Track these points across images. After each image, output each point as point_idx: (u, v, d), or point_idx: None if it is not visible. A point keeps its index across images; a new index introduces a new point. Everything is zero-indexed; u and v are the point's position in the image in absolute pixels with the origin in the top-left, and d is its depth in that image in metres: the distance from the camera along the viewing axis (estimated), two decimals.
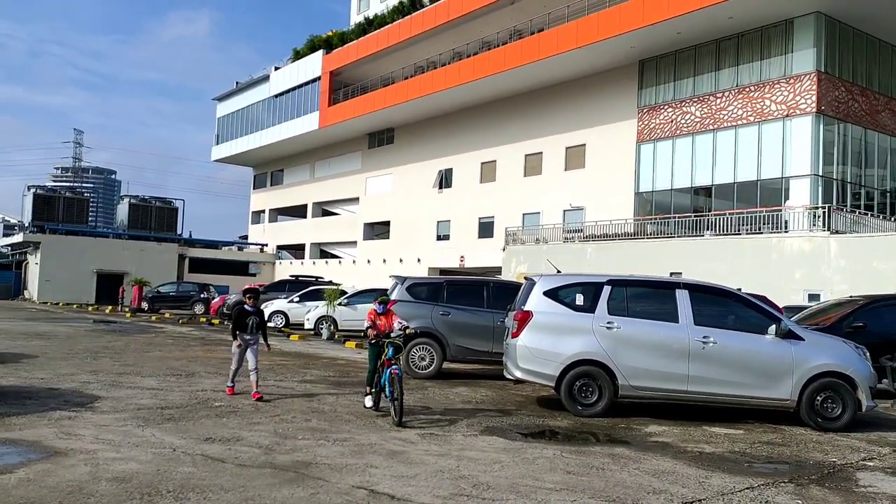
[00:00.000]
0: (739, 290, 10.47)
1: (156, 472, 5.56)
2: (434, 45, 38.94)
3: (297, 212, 55.44)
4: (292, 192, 55.49)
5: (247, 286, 10.01)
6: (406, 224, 43.72)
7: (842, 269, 22.44)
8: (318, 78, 47.19)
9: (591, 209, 32.99)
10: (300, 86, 49.09)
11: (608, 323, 8.97)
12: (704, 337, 8.80)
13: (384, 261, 43.55)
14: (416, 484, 5.48)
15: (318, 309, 22.44)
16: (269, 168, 59.03)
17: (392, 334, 8.51)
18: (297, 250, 55.24)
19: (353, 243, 48.60)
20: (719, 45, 28.79)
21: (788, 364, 8.71)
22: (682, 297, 9.03)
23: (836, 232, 23.82)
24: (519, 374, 9.24)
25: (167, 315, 31.44)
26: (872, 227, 25.58)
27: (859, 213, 26.31)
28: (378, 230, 47.38)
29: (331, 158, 51.44)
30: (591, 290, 9.23)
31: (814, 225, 24.56)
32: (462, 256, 38.73)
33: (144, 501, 4.80)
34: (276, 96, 51.66)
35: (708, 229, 27.26)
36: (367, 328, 8.80)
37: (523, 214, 36.23)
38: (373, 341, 8.67)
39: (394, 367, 8.19)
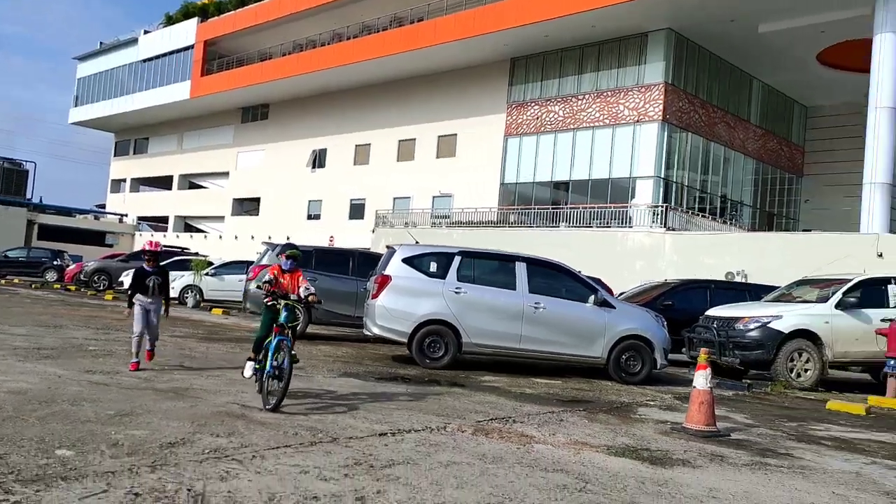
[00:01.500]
0: (579, 273, 12.12)
1: (47, 389, 6.24)
2: (314, 25, 39.18)
3: (162, 183, 53.74)
4: (157, 162, 53.70)
5: (146, 246, 8.81)
6: (277, 201, 43.72)
7: (674, 262, 25.13)
8: (192, 46, 46.02)
9: (459, 197, 34.58)
10: (171, 52, 47.62)
11: (456, 288, 10.30)
12: (536, 303, 10.31)
13: (252, 237, 43.35)
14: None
15: (183, 278, 22.55)
16: (132, 135, 56.69)
17: (291, 297, 6.96)
18: (159, 222, 53.58)
19: (221, 218, 47.91)
20: (583, 50, 31.08)
21: (601, 328, 10.39)
22: (520, 268, 10.52)
23: (672, 229, 26.64)
24: (376, 331, 10.40)
25: (16, 280, 30.09)
26: (703, 227, 28.76)
27: (693, 213, 29.43)
28: (247, 206, 46.98)
29: (201, 130, 50.27)
30: (444, 260, 10.52)
31: (654, 222, 27.30)
32: (332, 236, 39.39)
33: (44, 406, 5.52)
34: (145, 61, 49.80)
35: (563, 221, 29.55)
36: (265, 282, 7.10)
37: (394, 198, 37.34)
38: (268, 302, 6.95)
39: (282, 337, 6.64)
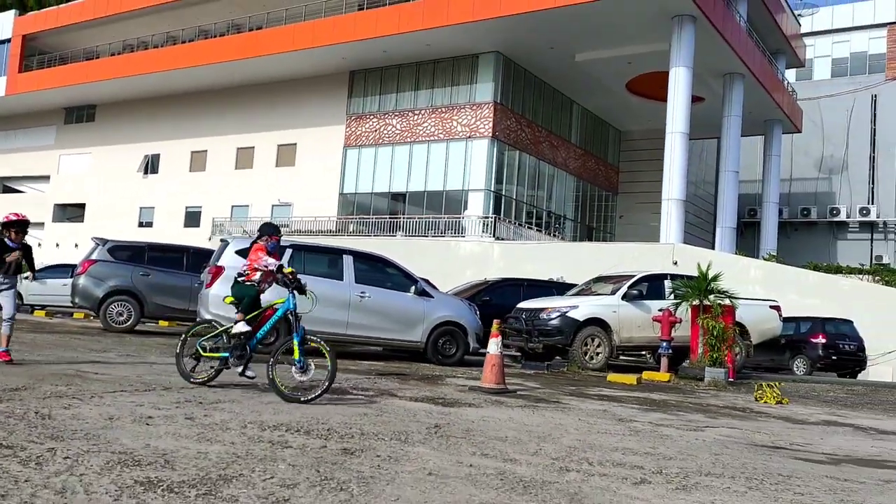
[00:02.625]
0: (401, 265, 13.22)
1: None
2: (147, 26, 38.05)
3: None
4: None
5: (7, 217, 7.69)
6: (105, 207, 41.70)
7: (502, 268, 27.05)
8: (9, 40, 43.01)
9: (298, 205, 34.93)
10: None
11: None
12: (362, 293, 11.28)
13: (76, 245, 41.00)
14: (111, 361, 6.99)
15: None
16: None
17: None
18: None
19: (41, 224, 44.83)
20: (419, 67, 32.66)
21: (421, 315, 11.55)
22: (348, 261, 11.46)
23: (500, 239, 28.70)
24: (209, 318, 10.86)
25: None
26: (528, 237, 31.16)
27: (520, 225, 31.77)
28: (71, 212, 44.34)
29: (18, 130, 46.85)
30: (277, 252, 11.24)
31: (484, 232, 29.25)
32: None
33: None
34: None
35: (400, 230, 30.84)
36: (288, 271, 6.80)
37: (232, 206, 36.98)
38: (282, 278, 6.67)
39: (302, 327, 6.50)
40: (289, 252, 11.30)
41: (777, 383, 9.92)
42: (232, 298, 6.72)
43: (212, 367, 6.56)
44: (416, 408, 6.23)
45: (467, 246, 28.49)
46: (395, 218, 31.79)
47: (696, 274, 13.38)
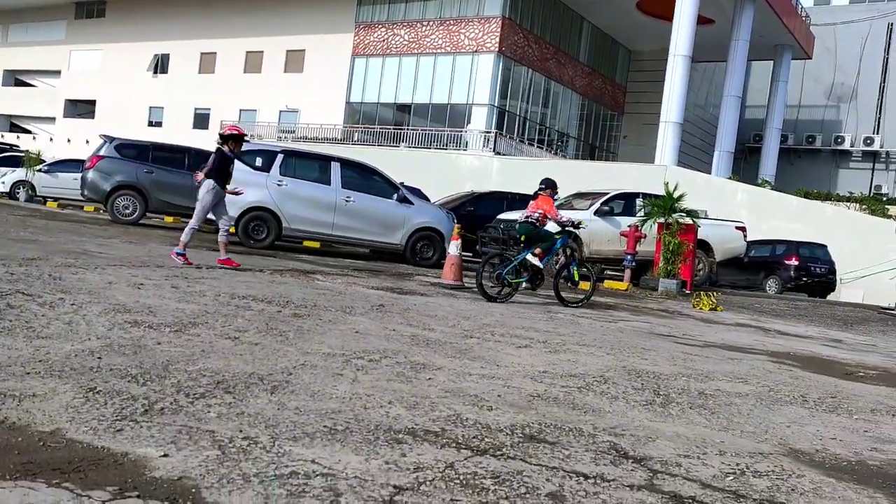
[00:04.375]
0: (401, 183, 14.17)
1: None
2: None
3: None
4: None
5: (227, 129, 8.49)
6: (115, 105, 42.28)
7: (499, 182, 27.80)
8: None
9: (305, 112, 35.45)
10: None
11: (279, 181, 11.99)
12: (347, 197, 12.23)
13: (87, 142, 41.84)
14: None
15: (14, 173, 22.41)
16: None
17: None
18: None
19: (52, 119, 45.61)
20: None
21: (402, 220, 12.54)
22: (335, 167, 12.37)
23: (500, 154, 29.34)
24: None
25: None
26: (528, 153, 31.76)
27: (521, 141, 32.32)
28: (82, 108, 44.98)
29: (29, 23, 46.93)
30: (269, 157, 12.17)
31: (485, 147, 29.87)
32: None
33: None
34: None
35: (404, 141, 31.48)
36: (563, 220, 9.01)
37: (240, 110, 37.50)
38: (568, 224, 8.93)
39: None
40: (280, 157, 12.21)
41: (715, 293, 10.94)
42: (525, 236, 8.75)
43: (509, 288, 8.46)
44: (373, 294, 7.28)
45: (468, 159, 29.18)
46: (400, 129, 32.35)
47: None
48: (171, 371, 3.26)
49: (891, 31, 41.57)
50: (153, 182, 14.08)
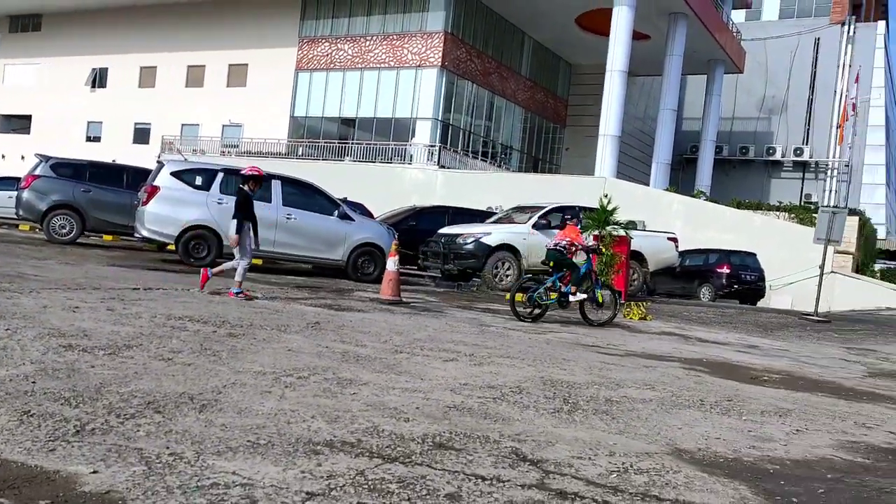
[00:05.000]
0: (345, 198, 14.36)
1: None
2: None
3: None
4: None
5: (248, 170, 9.12)
6: (51, 120, 41.34)
7: (445, 196, 28.17)
8: None
9: (249, 127, 35.30)
10: None
11: (219, 199, 12.08)
12: (288, 214, 12.39)
13: (23, 157, 40.76)
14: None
15: None
16: None
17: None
18: None
19: None
20: None
21: (343, 236, 12.75)
22: (276, 185, 12.52)
23: (444, 167, 29.74)
24: (145, 233, 11.96)
25: None
26: (472, 166, 32.26)
27: (466, 154, 32.79)
28: (16, 124, 43.82)
29: None
30: (209, 175, 12.26)
31: (429, 160, 30.23)
32: (114, 160, 38.29)
33: None
34: None
35: (349, 155, 31.64)
36: (590, 247, 9.89)
37: (182, 125, 37.11)
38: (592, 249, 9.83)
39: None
40: (220, 175, 12.30)
41: (646, 302, 11.45)
42: (553, 262, 9.47)
43: (538, 310, 9.21)
44: (310, 311, 7.49)
45: (412, 173, 29.49)
46: (345, 143, 32.51)
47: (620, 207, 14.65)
48: (104, 393, 3.45)
49: (818, 46, 43.57)
50: (90, 201, 13.98)
